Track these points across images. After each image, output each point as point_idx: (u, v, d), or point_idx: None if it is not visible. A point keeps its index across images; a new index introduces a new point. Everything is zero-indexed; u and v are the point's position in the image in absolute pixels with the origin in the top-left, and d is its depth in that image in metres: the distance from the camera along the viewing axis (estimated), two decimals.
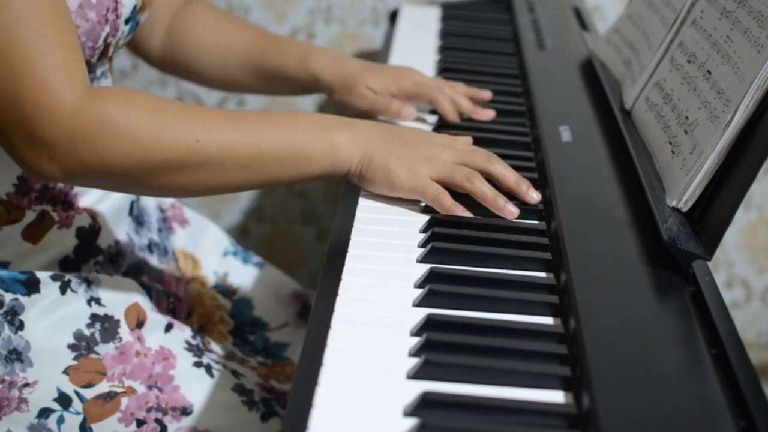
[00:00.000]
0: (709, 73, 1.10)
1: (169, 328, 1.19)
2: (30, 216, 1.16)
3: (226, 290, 1.40)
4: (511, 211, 1.08)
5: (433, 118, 1.35)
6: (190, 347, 1.19)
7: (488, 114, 1.35)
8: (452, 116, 1.32)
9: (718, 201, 1.01)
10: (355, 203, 1.11)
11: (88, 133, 1.00)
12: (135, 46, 1.41)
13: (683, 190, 1.04)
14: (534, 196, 1.11)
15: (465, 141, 1.18)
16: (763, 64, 0.99)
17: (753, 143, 0.99)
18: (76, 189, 1.20)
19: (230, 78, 1.42)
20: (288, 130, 1.07)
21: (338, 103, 1.36)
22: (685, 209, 1.04)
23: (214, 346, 1.25)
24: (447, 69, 1.52)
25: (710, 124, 1.04)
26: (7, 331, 1.12)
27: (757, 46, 1.02)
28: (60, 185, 1.18)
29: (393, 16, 1.87)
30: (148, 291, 1.22)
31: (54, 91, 0.99)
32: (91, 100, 1.01)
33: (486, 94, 1.38)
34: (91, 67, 1.15)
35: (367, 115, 1.34)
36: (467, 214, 1.08)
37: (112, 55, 1.17)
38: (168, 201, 1.43)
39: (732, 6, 1.11)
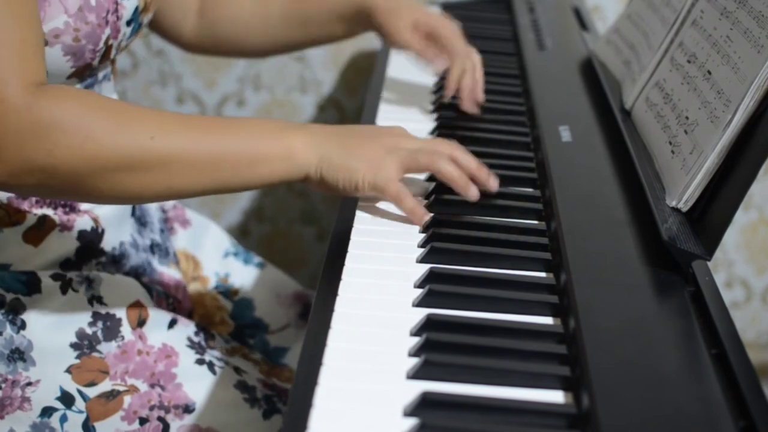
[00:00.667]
0: (709, 73, 1.10)
1: (172, 324, 1.19)
2: (31, 219, 1.16)
3: (227, 291, 1.40)
4: (474, 193, 1.08)
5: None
6: (192, 344, 1.19)
7: (475, 107, 1.36)
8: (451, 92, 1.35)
9: (718, 201, 1.01)
10: (355, 203, 1.11)
11: (36, 129, 0.95)
12: (166, 34, 1.41)
13: (683, 190, 1.04)
14: (493, 184, 1.10)
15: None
16: (763, 65, 0.99)
17: (753, 143, 0.99)
18: None
19: (273, 39, 1.41)
20: (243, 134, 1.04)
21: (377, 26, 1.36)
22: (685, 209, 1.04)
23: (218, 339, 1.25)
24: (447, 69, 1.51)
25: (710, 124, 1.04)
26: (9, 330, 1.12)
27: (757, 46, 1.02)
28: None
29: None
30: (149, 291, 1.22)
31: (4, 85, 0.95)
32: (42, 96, 0.97)
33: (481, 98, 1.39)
34: (92, 70, 1.14)
35: (398, 48, 1.35)
36: (428, 216, 1.07)
37: (115, 56, 1.17)
38: (170, 201, 1.43)
39: (732, 6, 1.11)
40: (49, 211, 1.17)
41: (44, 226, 1.16)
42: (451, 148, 1.10)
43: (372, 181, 1.06)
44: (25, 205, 1.15)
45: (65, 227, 1.18)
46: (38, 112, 0.96)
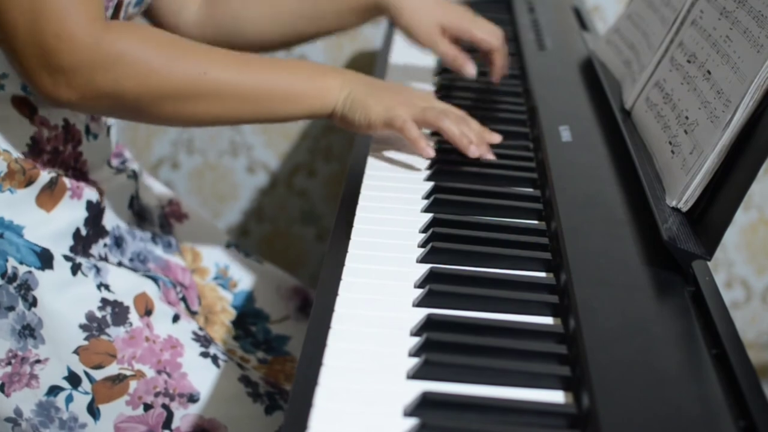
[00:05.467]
0: (709, 73, 1.10)
1: (176, 319, 1.19)
2: (44, 178, 1.16)
3: (226, 282, 1.41)
4: (473, 152, 1.20)
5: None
6: (198, 338, 1.20)
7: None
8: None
9: (718, 201, 1.01)
10: (355, 203, 1.11)
11: (105, 62, 1.07)
12: (167, 24, 1.41)
13: (683, 190, 1.04)
14: (494, 137, 1.24)
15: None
16: (763, 64, 0.99)
17: (753, 143, 0.99)
18: (86, 155, 1.22)
19: (281, 27, 1.43)
20: (284, 72, 1.17)
21: (401, 27, 1.39)
22: (685, 209, 1.04)
23: (218, 342, 1.25)
24: (447, 70, 1.52)
25: (710, 124, 1.04)
26: (21, 306, 1.12)
27: (756, 46, 1.02)
28: (68, 150, 1.19)
29: None
30: (155, 281, 1.22)
31: (74, 23, 1.05)
32: (108, 31, 1.07)
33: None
34: None
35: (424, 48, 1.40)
36: (431, 150, 1.19)
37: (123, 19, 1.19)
38: (166, 197, 1.43)
39: (731, 6, 1.11)
40: (60, 172, 1.18)
41: (56, 186, 1.17)
42: (460, 119, 1.22)
43: (383, 118, 1.18)
44: (38, 164, 1.16)
45: (75, 194, 1.18)
46: (106, 46, 1.07)
